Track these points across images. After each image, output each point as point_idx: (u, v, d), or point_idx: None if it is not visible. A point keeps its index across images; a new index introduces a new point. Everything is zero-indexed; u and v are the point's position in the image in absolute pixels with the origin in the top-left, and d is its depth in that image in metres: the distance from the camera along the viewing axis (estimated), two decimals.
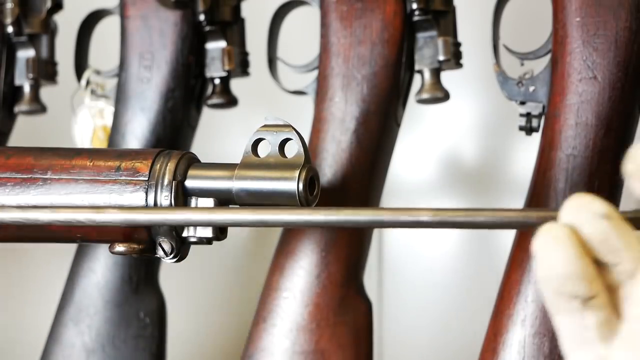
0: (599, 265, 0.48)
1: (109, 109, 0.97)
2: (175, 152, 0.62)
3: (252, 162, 0.60)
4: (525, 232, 0.80)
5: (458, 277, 1.25)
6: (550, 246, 0.48)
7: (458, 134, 1.23)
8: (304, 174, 0.59)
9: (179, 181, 0.61)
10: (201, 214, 0.57)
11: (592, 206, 0.48)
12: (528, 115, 0.83)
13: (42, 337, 0.94)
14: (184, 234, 0.61)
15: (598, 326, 0.48)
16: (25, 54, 0.97)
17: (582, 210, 0.48)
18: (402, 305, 1.26)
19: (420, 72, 0.87)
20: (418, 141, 1.24)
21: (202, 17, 0.92)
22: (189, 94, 0.93)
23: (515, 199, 0.93)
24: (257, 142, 0.61)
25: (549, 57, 0.82)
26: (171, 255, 0.62)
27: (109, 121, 0.97)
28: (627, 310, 0.46)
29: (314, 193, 0.61)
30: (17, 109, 0.97)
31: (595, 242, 0.48)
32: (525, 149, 1.10)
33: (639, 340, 0.44)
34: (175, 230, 0.61)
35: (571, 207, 0.48)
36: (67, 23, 1.01)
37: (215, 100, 0.94)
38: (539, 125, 0.82)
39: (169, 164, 0.61)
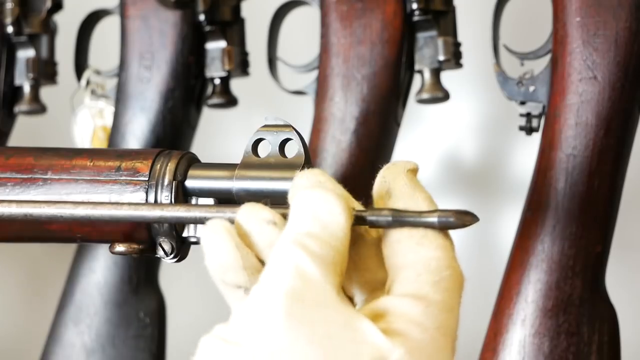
0: None
1: (109, 109, 0.97)
2: (176, 152, 0.62)
3: (252, 162, 0.60)
4: (525, 233, 0.80)
5: None
6: (211, 238, 0.53)
7: (458, 134, 1.23)
8: None
9: (179, 181, 0.60)
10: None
11: (260, 213, 0.54)
12: (528, 115, 0.83)
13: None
14: (184, 234, 0.61)
15: None
16: (25, 54, 0.97)
17: (252, 216, 0.54)
18: None
19: (420, 72, 0.87)
20: (418, 141, 1.23)
21: (202, 17, 0.92)
22: (189, 94, 0.93)
23: (516, 199, 0.93)
24: (258, 142, 0.61)
25: (549, 57, 0.82)
26: (171, 255, 0.62)
27: (109, 121, 0.97)
28: None
29: None
30: (17, 109, 0.97)
31: (262, 244, 0.53)
32: (525, 149, 1.10)
33: None
34: (175, 230, 0.61)
35: (243, 212, 0.54)
36: (67, 23, 1.01)
37: (215, 100, 0.94)
38: (539, 125, 0.83)
39: (169, 164, 0.61)
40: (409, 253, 0.52)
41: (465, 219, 0.53)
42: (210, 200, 0.61)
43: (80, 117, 0.99)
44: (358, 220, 0.53)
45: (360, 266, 0.54)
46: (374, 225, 0.54)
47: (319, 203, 0.52)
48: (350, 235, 0.52)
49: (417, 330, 0.49)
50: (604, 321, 0.79)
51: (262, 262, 0.53)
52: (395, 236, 0.53)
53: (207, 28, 0.92)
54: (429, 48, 0.86)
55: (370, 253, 0.55)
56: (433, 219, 0.53)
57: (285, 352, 0.47)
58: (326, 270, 0.50)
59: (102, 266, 0.92)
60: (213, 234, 0.54)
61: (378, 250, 0.54)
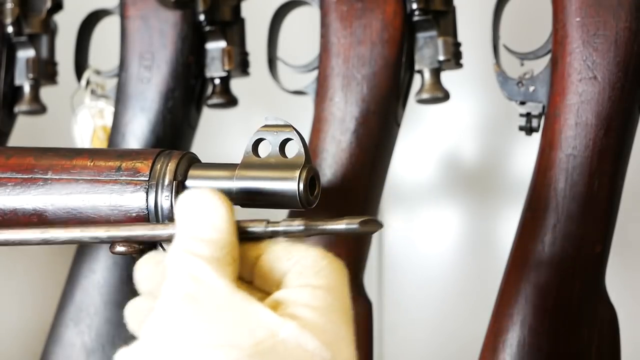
0: None
1: (109, 109, 0.97)
2: (176, 152, 0.62)
3: (252, 162, 0.60)
4: (525, 233, 0.80)
5: (458, 277, 1.25)
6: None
7: (458, 134, 1.23)
8: (304, 174, 0.59)
9: (179, 181, 0.60)
10: None
11: (155, 257, 0.59)
12: (528, 115, 0.83)
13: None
14: None
15: None
16: (25, 54, 0.97)
17: (150, 260, 0.60)
18: (402, 305, 1.26)
19: (420, 72, 0.87)
20: (418, 141, 1.24)
21: (202, 17, 0.92)
22: (189, 94, 0.93)
23: (515, 199, 0.93)
24: (258, 142, 0.61)
25: (549, 57, 0.82)
26: None
27: (109, 121, 0.97)
28: None
29: (315, 193, 0.60)
30: (17, 109, 0.97)
31: None
32: (525, 149, 1.10)
33: None
34: None
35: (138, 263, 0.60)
36: (67, 23, 1.01)
37: (215, 100, 0.94)
38: (539, 125, 0.83)
39: (169, 164, 0.61)
40: (285, 263, 0.56)
41: (369, 226, 0.57)
42: None
43: (80, 117, 0.99)
44: (273, 234, 0.57)
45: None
46: (287, 234, 0.57)
47: (199, 202, 0.56)
48: (234, 223, 0.56)
49: (307, 310, 0.53)
50: (604, 321, 0.79)
51: None
52: (270, 257, 0.57)
53: (207, 28, 0.92)
54: (429, 48, 0.86)
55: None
56: (341, 226, 0.57)
57: (187, 345, 0.51)
58: (217, 265, 0.54)
59: (102, 266, 0.92)
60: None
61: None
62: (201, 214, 0.56)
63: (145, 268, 0.60)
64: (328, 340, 0.52)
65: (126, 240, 0.60)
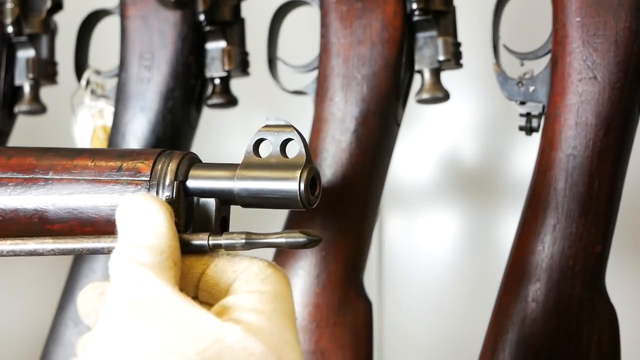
0: None
1: (109, 109, 0.97)
2: (177, 152, 0.62)
3: (253, 162, 0.60)
4: (525, 233, 0.80)
5: (458, 277, 1.25)
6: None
7: (458, 134, 1.23)
8: (305, 174, 0.59)
9: (180, 181, 0.60)
10: None
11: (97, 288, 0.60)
12: (528, 115, 0.83)
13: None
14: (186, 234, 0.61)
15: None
16: (25, 54, 0.97)
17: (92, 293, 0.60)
18: (402, 305, 1.27)
19: (420, 72, 0.87)
20: (418, 141, 1.24)
21: (202, 17, 0.92)
22: (189, 94, 0.93)
23: (515, 199, 0.93)
24: (259, 142, 0.61)
25: (549, 57, 0.82)
26: None
27: (109, 121, 0.97)
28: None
29: (316, 193, 0.60)
30: (17, 109, 0.97)
31: None
32: (525, 149, 1.10)
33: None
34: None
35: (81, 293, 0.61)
36: (67, 23, 1.01)
37: (215, 100, 0.94)
38: (539, 125, 0.83)
39: (170, 164, 0.61)
40: (231, 274, 0.57)
41: (308, 237, 0.58)
42: (212, 201, 0.61)
43: (80, 117, 0.99)
44: (215, 247, 0.58)
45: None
46: (229, 248, 0.58)
47: (138, 208, 0.57)
48: (174, 227, 0.57)
49: (254, 314, 0.53)
50: (604, 321, 0.79)
51: None
52: (215, 270, 0.58)
53: (207, 28, 0.92)
54: (429, 48, 0.87)
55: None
56: (281, 239, 0.58)
57: (132, 354, 0.51)
58: (159, 271, 0.54)
59: (103, 266, 0.92)
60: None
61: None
62: (140, 220, 0.56)
63: (87, 301, 0.60)
64: (273, 344, 0.52)
65: (79, 253, 0.61)
